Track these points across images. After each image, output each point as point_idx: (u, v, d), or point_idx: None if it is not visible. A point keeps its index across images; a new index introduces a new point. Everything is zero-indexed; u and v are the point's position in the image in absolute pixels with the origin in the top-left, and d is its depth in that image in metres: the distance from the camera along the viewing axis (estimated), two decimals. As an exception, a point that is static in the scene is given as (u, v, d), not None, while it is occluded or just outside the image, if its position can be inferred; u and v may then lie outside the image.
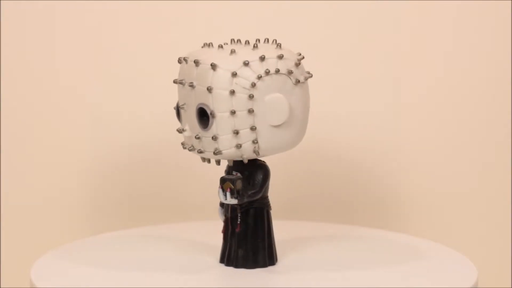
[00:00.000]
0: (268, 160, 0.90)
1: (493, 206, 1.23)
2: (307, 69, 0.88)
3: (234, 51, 0.86)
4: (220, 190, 0.86)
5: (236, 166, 0.88)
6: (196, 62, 0.86)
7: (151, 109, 1.22)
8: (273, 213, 0.91)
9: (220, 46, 0.87)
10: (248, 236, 0.89)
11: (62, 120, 1.23)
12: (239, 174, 0.88)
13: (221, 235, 0.91)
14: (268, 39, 0.88)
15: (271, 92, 0.84)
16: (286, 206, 1.21)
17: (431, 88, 1.22)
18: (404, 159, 1.22)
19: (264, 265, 0.89)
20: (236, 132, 0.84)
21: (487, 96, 1.22)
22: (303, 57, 0.87)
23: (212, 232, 0.99)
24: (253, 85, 0.84)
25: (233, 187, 0.86)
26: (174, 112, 0.91)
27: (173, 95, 1.00)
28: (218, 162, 0.89)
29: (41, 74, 1.22)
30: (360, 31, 1.21)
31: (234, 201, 0.86)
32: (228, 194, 0.86)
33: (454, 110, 1.22)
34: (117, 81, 1.22)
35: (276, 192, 0.95)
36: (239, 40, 0.88)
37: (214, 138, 0.85)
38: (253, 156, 0.86)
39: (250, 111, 0.84)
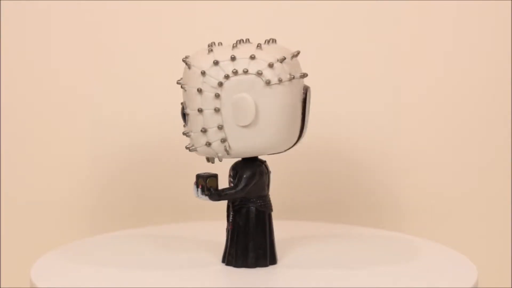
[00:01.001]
0: (269, 160, 0.90)
1: (493, 206, 1.23)
2: (306, 70, 0.88)
3: (212, 51, 0.87)
4: (194, 186, 0.88)
5: (236, 163, 0.90)
6: (184, 61, 0.88)
7: (151, 110, 1.22)
8: (273, 213, 0.90)
9: (209, 45, 0.88)
10: (238, 236, 0.89)
11: (62, 120, 1.23)
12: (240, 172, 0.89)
13: (220, 234, 0.92)
14: (274, 40, 0.88)
15: (239, 92, 0.85)
16: (286, 206, 1.21)
17: (431, 88, 1.22)
18: (404, 160, 1.22)
19: (252, 265, 0.89)
20: (204, 130, 0.86)
21: (487, 96, 1.22)
22: (284, 58, 0.85)
23: (212, 232, 0.99)
24: (220, 84, 0.85)
25: (204, 184, 0.87)
26: (174, 112, 0.92)
27: (173, 95, 1.01)
28: (207, 160, 0.90)
29: (41, 74, 1.22)
30: (361, 31, 1.21)
31: (205, 198, 0.88)
32: (199, 190, 0.88)
33: (454, 110, 1.22)
34: (117, 82, 1.22)
35: (276, 192, 0.95)
36: (246, 40, 0.89)
37: (188, 135, 0.87)
38: (227, 156, 0.87)
39: (216, 110, 0.85)
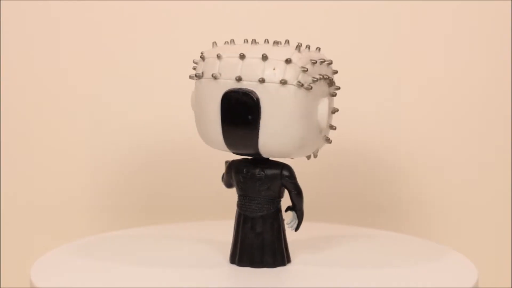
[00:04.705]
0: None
1: (493, 206, 1.23)
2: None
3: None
4: None
5: None
6: None
7: (160, 109, 1.22)
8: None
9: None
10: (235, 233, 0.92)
11: (64, 120, 1.23)
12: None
13: (229, 235, 0.92)
14: (254, 40, 0.89)
15: None
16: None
17: (430, 87, 1.22)
18: (404, 161, 1.22)
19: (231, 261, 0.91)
20: None
21: (490, 96, 1.22)
22: (203, 57, 0.87)
23: (218, 232, 1.00)
24: None
25: None
26: (181, 112, 0.93)
27: (176, 96, 1.01)
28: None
29: (43, 74, 1.22)
30: (361, 31, 1.21)
31: None
32: None
33: (454, 109, 1.22)
34: (122, 82, 1.22)
35: (286, 193, 0.94)
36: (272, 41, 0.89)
37: None
38: None
39: None
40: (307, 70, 0.84)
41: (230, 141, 0.87)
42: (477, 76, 1.22)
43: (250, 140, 0.86)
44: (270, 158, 0.89)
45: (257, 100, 0.84)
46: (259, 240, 0.89)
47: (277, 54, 0.85)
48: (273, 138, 0.85)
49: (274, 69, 0.84)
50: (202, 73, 0.87)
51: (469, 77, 1.22)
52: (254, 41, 0.88)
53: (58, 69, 1.22)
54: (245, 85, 0.85)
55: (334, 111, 0.89)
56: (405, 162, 1.22)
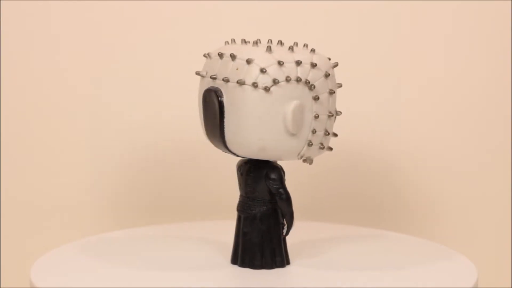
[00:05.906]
0: (282, 162, 0.90)
1: (493, 206, 1.23)
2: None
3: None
4: None
5: None
6: None
7: (160, 109, 1.22)
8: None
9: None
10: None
11: (63, 120, 1.23)
12: None
13: (229, 235, 0.92)
14: (258, 40, 0.89)
15: None
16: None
17: (428, 86, 1.22)
18: (404, 161, 1.22)
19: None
20: None
21: (490, 96, 1.22)
22: (208, 56, 0.89)
23: (218, 232, 1.00)
24: None
25: None
26: (181, 112, 0.93)
27: (176, 95, 1.00)
28: None
29: (43, 74, 1.22)
30: (361, 31, 1.21)
31: None
32: None
33: (454, 109, 1.22)
34: (120, 81, 1.22)
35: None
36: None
37: None
38: None
39: None
40: (265, 71, 0.83)
41: (210, 138, 0.88)
42: (477, 76, 1.22)
43: (219, 138, 0.86)
44: (270, 160, 0.89)
45: (221, 99, 0.85)
46: (246, 240, 0.89)
47: (245, 54, 0.85)
48: (235, 138, 0.85)
49: (237, 69, 0.84)
50: (200, 72, 0.88)
51: (469, 77, 1.22)
52: (244, 41, 0.88)
53: (58, 69, 1.22)
54: (216, 84, 0.86)
55: (317, 115, 0.85)
56: (405, 162, 1.22)
